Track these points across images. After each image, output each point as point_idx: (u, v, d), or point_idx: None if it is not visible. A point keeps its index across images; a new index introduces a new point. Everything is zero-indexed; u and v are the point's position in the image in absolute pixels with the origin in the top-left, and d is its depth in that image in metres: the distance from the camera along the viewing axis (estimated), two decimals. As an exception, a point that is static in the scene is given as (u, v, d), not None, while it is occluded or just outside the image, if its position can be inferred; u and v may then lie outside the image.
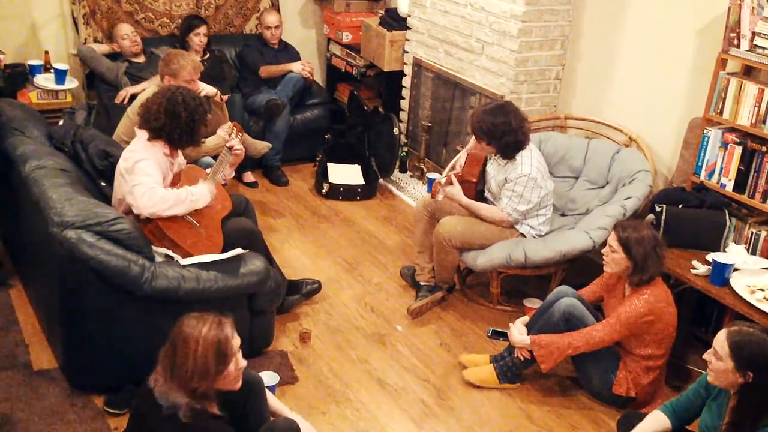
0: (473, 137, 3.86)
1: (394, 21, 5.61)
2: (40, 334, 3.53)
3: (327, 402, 3.32)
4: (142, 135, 3.43)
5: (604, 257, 3.29)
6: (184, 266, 3.14)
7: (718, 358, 2.52)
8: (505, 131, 3.73)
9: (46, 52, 5.26)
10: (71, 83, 5.12)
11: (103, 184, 3.59)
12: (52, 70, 5.14)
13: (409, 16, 5.44)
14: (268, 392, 2.77)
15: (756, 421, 2.49)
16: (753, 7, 3.45)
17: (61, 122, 4.61)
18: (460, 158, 4.08)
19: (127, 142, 3.60)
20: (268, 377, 3.12)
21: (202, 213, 3.44)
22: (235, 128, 3.81)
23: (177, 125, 3.37)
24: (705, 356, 2.59)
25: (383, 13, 5.83)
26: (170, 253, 3.24)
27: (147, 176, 3.27)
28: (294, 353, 3.61)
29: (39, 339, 3.50)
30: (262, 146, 4.89)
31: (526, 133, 3.82)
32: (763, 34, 3.38)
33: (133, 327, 3.09)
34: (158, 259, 3.18)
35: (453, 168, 4.06)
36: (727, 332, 2.52)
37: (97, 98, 5.16)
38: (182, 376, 2.29)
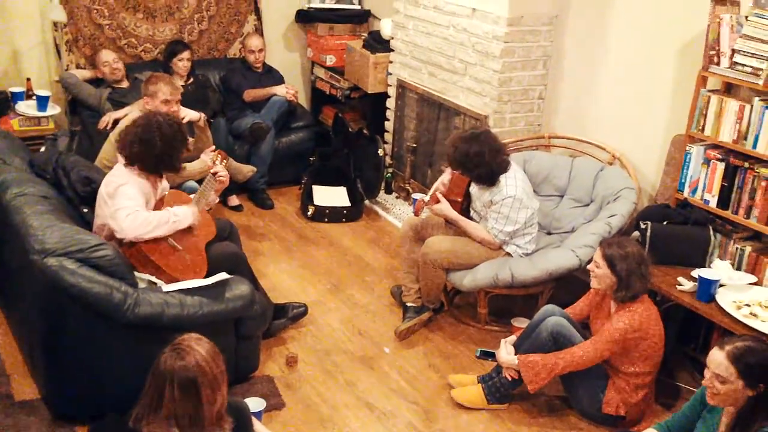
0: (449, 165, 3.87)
1: (378, 43, 5.64)
2: (21, 364, 3.48)
3: (315, 428, 3.27)
4: (123, 160, 3.41)
5: (591, 273, 3.29)
6: (167, 292, 3.11)
7: (723, 381, 2.46)
8: (479, 163, 3.74)
9: (28, 79, 5.24)
10: (53, 110, 5.11)
11: (86, 210, 3.56)
12: (34, 97, 5.12)
13: (392, 38, 5.47)
14: (254, 419, 2.72)
15: (760, 427, 2.45)
16: (732, 25, 3.48)
17: (42, 149, 4.59)
18: (445, 177, 4.09)
19: (110, 168, 3.58)
20: (255, 403, 3.08)
21: (187, 238, 3.42)
22: (219, 155, 3.80)
23: (151, 153, 3.35)
24: (705, 383, 2.53)
25: (366, 35, 5.86)
26: (153, 279, 3.21)
27: (129, 200, 3.25)
28: (281, 378, 3.57)
29: (20, 369, 3.44)
30: (248, 170, 4.89)
31: (501, 164, 3.80)
32: (743, 52, 3.42)
33: (117, 355, 3.05)
34: (141, 285, 3.14)
35: (438, 188, 4.07)
36: (725, 353, 2.46)
37: (81, 124, 5.14)
38: (214, 402, 2.29)
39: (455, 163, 3.79)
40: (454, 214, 3.94)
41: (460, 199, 4.01)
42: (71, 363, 3.04)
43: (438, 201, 3.96)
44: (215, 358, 2.33)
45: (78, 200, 3.59)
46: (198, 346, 2.31)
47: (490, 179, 3.80)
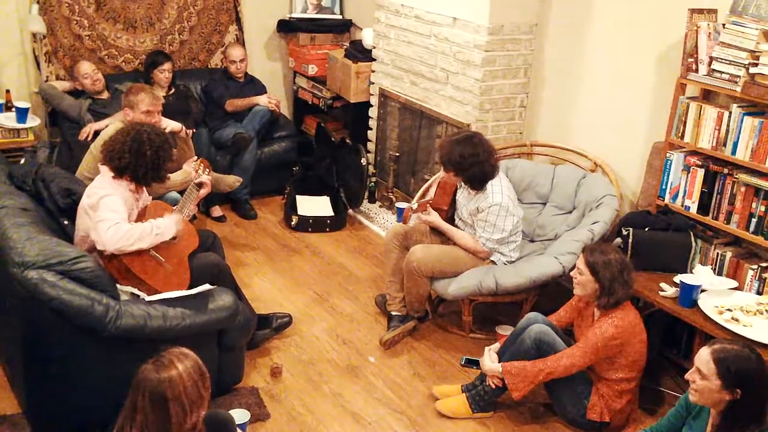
0: (442, 167, 3.89)
1: (359, 53, 5.65)
2: (2, 378, 3.43)
3: (300, 438, 3.27)
4: (106, 171, 3.39)
5: (573, 280, 3.31)
6: (149, 304, 3.08)
7: (703, 377, 2.48)
8: (473, 163, 3.76)
9: (8, 91, 5.20)
10: (33, 121, 5.06)
11: (66, 222, 3.53)
12: (13, 109, 5.07)
13: (374, 47, 5.48)
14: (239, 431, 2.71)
15: None
16: (710, 33, 3.53)
17: (22, 161, 4.55)
18: (431, 186, 4.10)
19: (91, 179, 3.56)
20: (239, 415, 3.06)
21: (169, 249, 3.40)
22: (202, 164, 3.79)
23: (142, 163, 3.34)
24: (687, 376, 2.55)
25: (348, 45, 5.87)
26: (136, 291, 3.19)
27: (112, 212, 3.23)
28: (265, 389, 3.54)
29: (1, 383, 3.40)
30: (233, 180, 4.86)
31: (494, 165, 3.85)
32: (720, 59, 3.46)
33: (99, 368, 3.02)
34: (123, 297, 3.12)
35: (424, 195, 4.08)
36: (710, 351, 2.48)
37: (61, 135, 5.11)
38: (179, 422, 2.22)
39: (450, 163, 3.80)
40: (443, 224, 3.95)
41: (446, 208, 4.03)
42: (53, 377, 3.00)
43: (425, 209, 3.97)
44: (196, 378, 2.24)
45: (58, 212, 3.56)
46: (179, 363, 2.23)
47: (481, 181, 3.81)
